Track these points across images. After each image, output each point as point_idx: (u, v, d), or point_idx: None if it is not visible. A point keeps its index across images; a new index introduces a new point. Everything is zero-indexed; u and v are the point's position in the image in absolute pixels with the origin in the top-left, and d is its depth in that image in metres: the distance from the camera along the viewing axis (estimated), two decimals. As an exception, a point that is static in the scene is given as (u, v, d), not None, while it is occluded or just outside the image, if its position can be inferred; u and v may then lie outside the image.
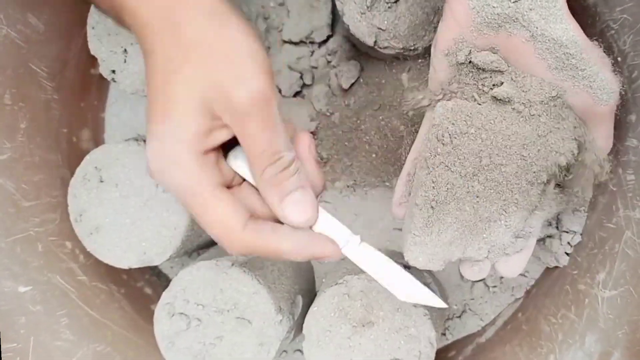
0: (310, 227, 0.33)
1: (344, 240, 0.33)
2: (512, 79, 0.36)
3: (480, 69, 0.36)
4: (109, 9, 0.32)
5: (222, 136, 0.31)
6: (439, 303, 0.35)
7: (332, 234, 0.33)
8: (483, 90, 0.37)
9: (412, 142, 0.53)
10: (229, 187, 0.33)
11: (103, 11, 0.34)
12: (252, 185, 0.33)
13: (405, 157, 0.43)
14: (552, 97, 0.35)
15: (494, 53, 0.36)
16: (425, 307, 0.47)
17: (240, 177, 0.33)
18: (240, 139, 0.31)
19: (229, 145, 0.33)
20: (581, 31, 0.34)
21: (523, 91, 0.35)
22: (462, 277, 0.58)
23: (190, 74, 0.29)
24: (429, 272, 0.57)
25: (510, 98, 0.35)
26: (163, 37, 0.30)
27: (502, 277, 0.58)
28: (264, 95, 0.29)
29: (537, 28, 0.33)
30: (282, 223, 0.33)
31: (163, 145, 0.30)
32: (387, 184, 0.58)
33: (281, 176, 0.31)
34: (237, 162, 0.33)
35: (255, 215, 0.32)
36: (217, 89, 0.29)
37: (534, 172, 0.37)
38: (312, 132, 0.58)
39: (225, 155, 0.33)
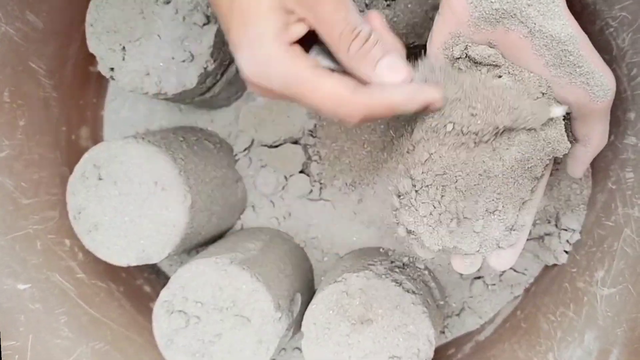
0: None
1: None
2: (509, 72, 0.36)
3: (477, 62, 0.36)
4: None
5: (300, 29, 0.32)
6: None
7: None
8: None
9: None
10: None
11: None
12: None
13: (405, 155, 0.43)
14: (545, 92, 0.35)
15: (491, 47, 0.36)
16: (424, 304, 0.47)
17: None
18: (317, 28, 0.32)
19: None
20: (579, 28, 0.34)
21: (520, 85, 0.35)
22: (461, 275, 0.59)
23: None
24: (429, 270, 0.57)
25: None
26: None
27: (501, 275, 0.58)
28: None
29: (535, 24, 0.33)
30: None
31: (253, 50, 0.31)
32: (387, 182, 0.58)
33: (366, 47, 0.32)
34: (320, 57, 0.34)
35: None
36: None
37: (530, 166, 0.37)
38: (309, 130, 0.58)
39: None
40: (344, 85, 0.31)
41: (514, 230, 0.39)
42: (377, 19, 0.35)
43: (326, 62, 0.34)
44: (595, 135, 0.38)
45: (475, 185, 0.37)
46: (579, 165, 0.41)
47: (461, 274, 0.59)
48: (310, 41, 0.33)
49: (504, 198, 0.37)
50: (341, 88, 0.31)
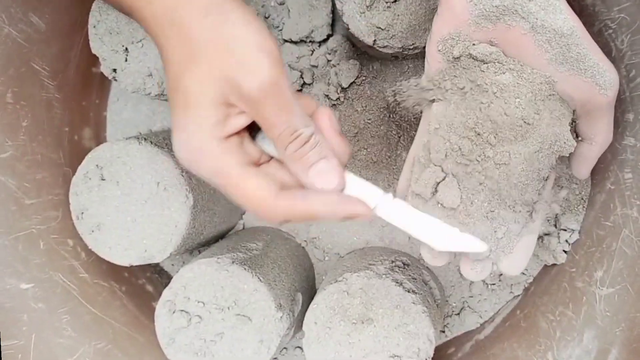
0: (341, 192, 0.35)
1: (375, 200, 0.35)
2: (510, 68, 0.35)
3: (479, 61, 0.36)
4: (117, 6, 0.34)
5: (242, 121, 0.33)
6: (481, 246, 0.35)
7: (364, 195, 0.35)
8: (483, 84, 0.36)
9: (410, 141, 0.54)
10: (258, 164, 0.35)
11: (112, 4, 0.35)
12: (280, 160, 0.35)
13: (406, 156, 0.43)
14: (549, 89, 0.35)
15: (492, 45, 0.35)
16: (424, 304, 0.47)
17: (268, 155, 0.36)
18: (259, 124, 0.33)
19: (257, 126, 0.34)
20: (580, 22, 0.34)
21: (525, 81, 0.35)
22: (461, 274, 0.59)
23: (200, 72, 0.31)
24: (429, 270, 0.58)
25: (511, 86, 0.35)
26: (169, 37, 0.31)
27: (500, 275, 0.58)
28: (272, 81, 0.31)
29: (536, 19, 0.33)
30: None
31: (188, 136, 0.32)
32: (386, 183, 0.59)
33: (302, 150, 0.33)
34: (264, 142, 0.35)
35: (286, 187, 0.34)
36: (228, 82, 0.31)
37: (539, 168, 0.37)
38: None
39: (253, 135, 0.35)
40: (268, 187, 0.32)
41: (522, 235, 0.38)
42: (325, 118, 0.35)
43: (270, 149, 0.35)
44: (600, 133, 0.38)
45: (480, 189, 0.37)
46: (584, 165, 0.40)
47: (461, 274, 0.59)
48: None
49: (511, 201, 0.37)
50: (264, 190, 0.32)
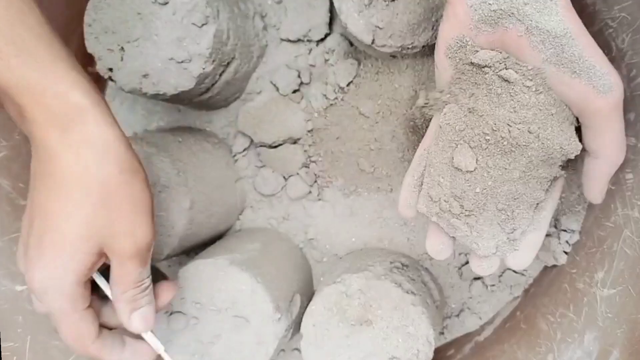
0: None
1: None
2: (513, 69, 0.36)
3: (482, 67, 0.36)
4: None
5: (98, 265, 0.36)
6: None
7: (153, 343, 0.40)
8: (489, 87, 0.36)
9: (414, 143, 0.54)
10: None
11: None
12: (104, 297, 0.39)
13: (409, 159, 0.43)
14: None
15: (491, 50, 0.36)
16: (423, 305, 0.47)
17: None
18: (115, 271, 0.36)
19: None
20: (580, 25, 0.34)
21: (527, 79, 0.35)
22: (460, 276, 0.59)
23: (87, 218, 0.33)
24: (427, 270, 0.57)
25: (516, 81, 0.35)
26: (53, 177, 0.33)
27: (500, 276, 0.58)
28: (147, 244, 0.35)
29: (531, 21, 0.33)
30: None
31: (51, 272, 0.34)
32: (385, 183, 0.58)
33: (138, 296, 0.37)
34: (101, 280, 0.38)
35: (104, 324, 0.39)
36: (109, 235, 0.34)
37: (546, 170, 0.37)
38: (308, 131, 0.58)
39: None
40: (89, 335, 0.36)
41: (529, 231, 0.39)
42: (169, 296, 0.41)
43: (105, 285, 0.38)
44: (606, 146, 0.36)
45: (491, 188, 0.37)
46: (594, 185, 0.38)
47: (460, 275, 0.59)
48: None
49: (518, 200, 0.37)
50: (87, 339, 0.36)
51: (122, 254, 0.35)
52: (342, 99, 0.57)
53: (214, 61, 0.49)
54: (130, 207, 0.34)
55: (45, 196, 0.33)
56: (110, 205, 0.33)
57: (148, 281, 0.38)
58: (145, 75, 0.48)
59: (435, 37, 0.44)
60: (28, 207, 0.35)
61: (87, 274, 0.35)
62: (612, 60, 0.44)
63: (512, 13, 0.34)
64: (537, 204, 0.38)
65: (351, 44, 0.57)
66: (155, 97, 0.50)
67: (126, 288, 0.36)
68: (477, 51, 0.36)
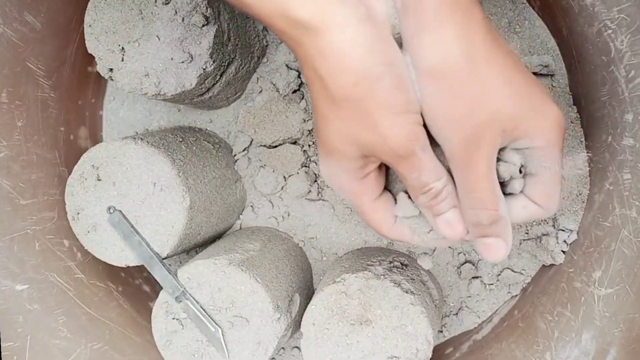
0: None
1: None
2: None
3: None
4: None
5: (377, 163, 0.36)
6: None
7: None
8: None
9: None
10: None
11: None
12: None
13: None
14: None
15: None
16: (422, 305, 0.47)
17: None
18: (400, 178, 0.36)
19: None
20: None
21: None
22: (459, 275, 0.59)
23: (340, 130, 0.34)
24: (427, 270, 0.58)
25: None
26: (315, 84, 0.33)
27: (498, 275, 0.58)
28: (402, 150, 0.33)
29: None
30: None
31: (330, 171, 0.36)
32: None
33: (431, 202, 0.35)
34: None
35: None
36: (366, 146, 0.33)
37: None
38: (308, 131, 0.58)
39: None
40: (386, 222, 0.38)
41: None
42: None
43: (408, 211, 0.38)
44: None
45: None
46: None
47: (459, 274, 0.59)
48: None
49: None
50: (383, 224, 0.38)
51: (386, 159, 0.34)
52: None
53: (214, 61, 0.49)
54: (379, 111, 0.32)
55: (314, 104, 0.35)
56: (359, 115, 0.32)
57: (438, 187, 0.35)
58: (146, 76, 0.48)
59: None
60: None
61: (360, 172, 0.36)
62: (611, 61, 0.45)
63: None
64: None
65: (351, 44, 0.57)
66: (156, 97, 0.50)
67: (415, 194, 0.36)
68: None
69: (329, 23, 0.30)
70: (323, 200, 0.60)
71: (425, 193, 0.35)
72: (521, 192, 0.36)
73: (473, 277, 0.59)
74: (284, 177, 0.59)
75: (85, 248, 0.50)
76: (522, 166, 0.35)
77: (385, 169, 0.38)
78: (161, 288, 0.49)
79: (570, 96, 0.54)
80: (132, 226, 0.48)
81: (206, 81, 0.50)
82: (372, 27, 0.31)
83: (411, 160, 0.33)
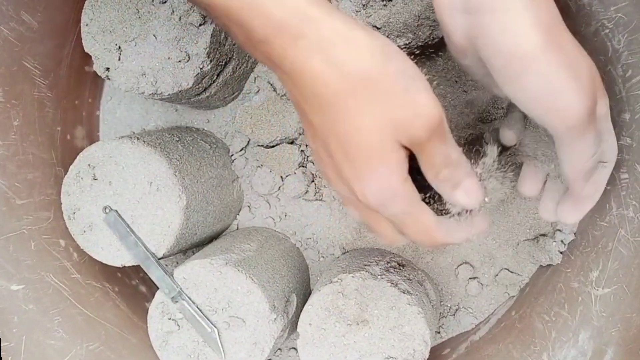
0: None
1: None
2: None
3: None
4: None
5: (408, 153, 0.34)
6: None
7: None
8: None
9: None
10: None
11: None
12: None
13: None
14: None
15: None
16: (419, 305, 0.47)
17: None
18: (420, 158, 0.34)
19: None
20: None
21: None
22: (456, 275, 0.59)
23: (371, 116, 0.32)
24: (423, 271, 0.57)
25: None
26: (323, 76, 0.31)
27: (496, 276, 0.58)
28: (436, 118, 0.32)
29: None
30: None
31: (378, 184, 0.33)
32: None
33: (454, 173, 0.35)
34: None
35: None
36: (398, 126, 0.32)
37: None
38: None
39: None
40: (429, 221, 0.36)
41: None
42: None
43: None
44: (564, 160, 0.37)
45: None
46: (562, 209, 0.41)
47: (456, 275, 0.59)
48: None
49: None
50: (428, 223, 0.36)
51: (417, 139, 0.32)
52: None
53: (211, 61, 0.49)
54: (399, 90, 0.31)
55: (324, 119, 0.32)
56: (381, 98, 0.31)
57: (456, 156, 0.35)
58: (142, 75, 0.48)
59: (433, 37, 0.44)
60: (310, 137, 0.34)
61: (405, 168, 0.34)
62: (609, 60, 0.45)
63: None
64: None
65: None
66: (153, 96, 0.50)
67: (438, 169, 0.34)
68: None
69: (318, 11, 0.30)
70: (320, 200, 0.60)
71: (448, 165, 0.34)
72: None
73: (470, 278, 0.58)
74: (281, 177, 0.59)
75: (81, 248, 0.50)
76: None
77: None
78: (157, 288, 0.49)
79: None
80: (128, 226, 0.48)
81: (203, 81, 0.50)
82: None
83: (441, 129, 0.33)
